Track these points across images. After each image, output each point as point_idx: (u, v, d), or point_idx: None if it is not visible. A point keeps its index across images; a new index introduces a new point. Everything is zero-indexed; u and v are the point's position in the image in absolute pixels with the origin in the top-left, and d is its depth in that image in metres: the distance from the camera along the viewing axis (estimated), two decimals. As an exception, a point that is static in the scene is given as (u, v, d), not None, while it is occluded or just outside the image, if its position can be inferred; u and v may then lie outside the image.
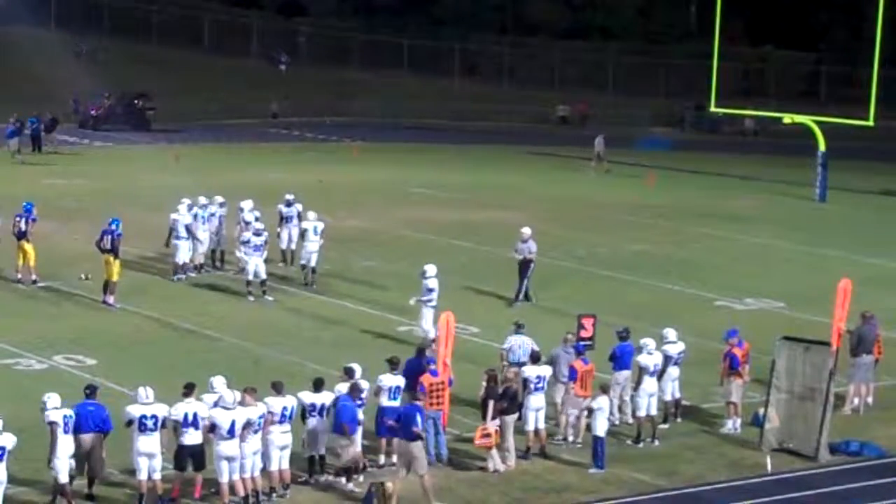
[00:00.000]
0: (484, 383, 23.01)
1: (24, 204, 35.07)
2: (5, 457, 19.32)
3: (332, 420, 21.57)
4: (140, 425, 20.40)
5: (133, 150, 63.60)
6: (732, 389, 25.18)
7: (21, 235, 34.22)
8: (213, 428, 20.47)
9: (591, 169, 60.94)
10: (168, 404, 20.69)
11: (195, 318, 31.65)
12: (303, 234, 35.72)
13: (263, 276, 33.71)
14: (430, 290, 29.84)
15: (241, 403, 20.75)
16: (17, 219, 34.49)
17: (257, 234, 33.97)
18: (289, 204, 37.33)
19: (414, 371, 23.43)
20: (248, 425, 20.60)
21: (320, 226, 35.65)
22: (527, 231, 34.96)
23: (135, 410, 20.51)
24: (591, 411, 23.26)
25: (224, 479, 20.53)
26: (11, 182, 50.88)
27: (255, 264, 33.57)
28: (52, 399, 20.37)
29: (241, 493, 20.59)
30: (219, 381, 21.23)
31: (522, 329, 25.70)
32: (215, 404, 20.70)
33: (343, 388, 21.97)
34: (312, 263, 35.30)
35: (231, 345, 29.53)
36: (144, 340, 29.79)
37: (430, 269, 30.08)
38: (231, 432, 20.45)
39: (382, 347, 28.57)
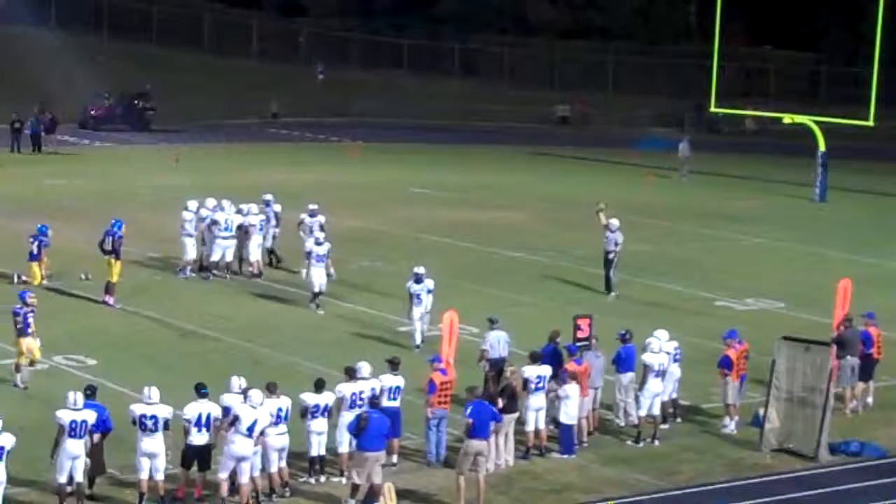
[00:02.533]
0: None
1: (39, 227, 34.81)
2: (5, 457, 19.31)
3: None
4: (140, 425, 20.42)
5: (133, 151, 63.58)
6: (728, 392, 25.20)
7: (32, 258, 34.18)
8: (234, 420, 20.44)
9: (680, 172, 59.52)
10: (169, 404, 20.72)
11: (195, 318, 31.67)
12: (211, 227, 35.42)
13: (322, 288, 32.78)
14: (430, 291, 29.85)
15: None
16: (31, 241, 34.27)
17: (318, 243, 33.00)
18: (267, 204, 37.18)
19: (553, 358, 24.01)
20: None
21: (237, 219, 35.67)
22: (615, 222, 35.53)
23: (136, 409, 20.55)
24: (557, 398, 23.35)
25: (224, 476, 20.51)
26: (11, 182, 50.92)
27: (319, 276, 32.60)
28: (69, 399, 20.34)
29: (245, 498, 20.59)
30: (238, 380, 21.33)
31: (497, 324, 26.08)
32: (244, 400, 20.73)
33: (345, 388, 21.97)
34: (228, 258, 35.58)
35: (231, 345, 29.55)
36: (144, 340, 29.81)
37: (422, 270, 30.10)
38: (250, 430, 20.49)
39: (382, 348, 28.61)
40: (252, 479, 20.72)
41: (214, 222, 35.41)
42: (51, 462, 20.18)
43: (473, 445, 21.15)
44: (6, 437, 19.38)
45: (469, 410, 21.35)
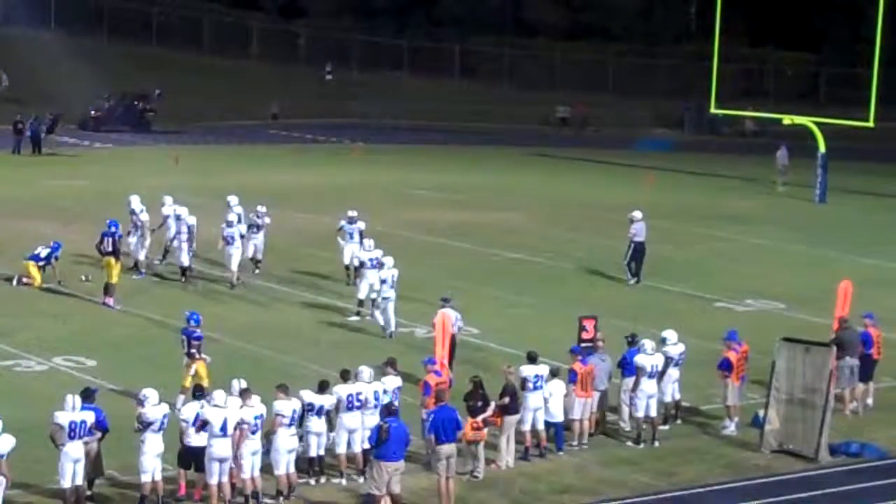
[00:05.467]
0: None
1: (55, 243, 34.87)
2: (4, 458, 19.28)
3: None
4: (160, 426, 20.49)
5: (133, 152, 63.57)
6: (728, 393, 25.20)
7: (32, 258, 34.29)
8: (204, 425, 20.47)
9: (777, 184, 58.45)
10: (169, 404, 20.74)
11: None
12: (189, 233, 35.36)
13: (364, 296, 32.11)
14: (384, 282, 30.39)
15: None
16: (42, 247, 34.52)
17: (368, 250, 32.43)
18: (258, 215, 36.89)
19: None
20: (241, 425, 20.58)
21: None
22: (637, 214, 37.13)
23: (155, 413, 20.53)
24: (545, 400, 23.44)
25: (213, 481, 20.53)
26: (11, 182, 50.92)
27: (371, 283, 31.75)
28: (67, 402, 20.32)
29: (228, 494, 20.61)
30: (235, 388, 21.32)
31: (449, 302, 26.63)
32: (206, 402, 20.77)
33: (341, 390, 21.96)
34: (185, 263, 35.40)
35: (231, 345, 29.52)
36: (144, 341, 29.78)
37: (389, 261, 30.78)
38: (223, 430, 20.46)
39: (382, 348, 28.60)
40: (252, 478, 20.73)
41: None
42: (58, 426, 20.03)
43: (443, 450, 21.10)
44: (6, 439, 19.33)
45: (430, 422, 21.23)
